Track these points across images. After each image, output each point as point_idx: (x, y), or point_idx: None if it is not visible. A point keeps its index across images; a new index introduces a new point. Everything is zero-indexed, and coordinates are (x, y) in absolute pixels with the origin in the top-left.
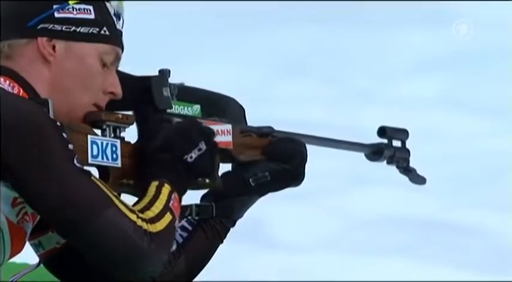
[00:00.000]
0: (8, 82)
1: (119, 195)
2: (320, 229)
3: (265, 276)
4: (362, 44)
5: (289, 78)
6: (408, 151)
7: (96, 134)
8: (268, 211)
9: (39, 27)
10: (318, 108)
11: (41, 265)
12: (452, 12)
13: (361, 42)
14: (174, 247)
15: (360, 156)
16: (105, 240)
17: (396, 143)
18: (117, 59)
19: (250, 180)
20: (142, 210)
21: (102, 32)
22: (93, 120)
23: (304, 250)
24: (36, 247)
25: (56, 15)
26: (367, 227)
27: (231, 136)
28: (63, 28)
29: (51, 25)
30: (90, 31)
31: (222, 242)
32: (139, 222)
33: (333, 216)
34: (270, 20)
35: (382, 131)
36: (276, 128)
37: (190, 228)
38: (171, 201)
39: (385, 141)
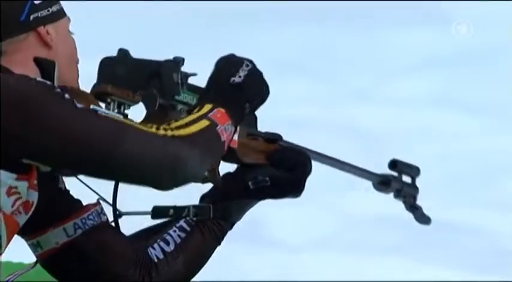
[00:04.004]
0: None
1: None
2: (316, 229)
3: (263, 275)
4: (357, 43)
5: (283, 77)
6: (417, 188)
7: (99, 106)
8: (265, 210)
9: (31, 18)
10: (312, 107)
11: (37, 265)
12: (452, 12)
13: (357, 41)
14: (172, 247)
15: (357, 155)
16: (135, 160)
17: (406, 179)
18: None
19: (250, 183)
20: (169, 124)
21: (60, 6)
22: (98, 92)
23: (300, 250)
24: (34, 247)
25: (35, 2)
26: (364, 226)
27: (236, 134)
28: (46, 12)
29: (39, 13)
30: (58, 9)
31: (219, 244)
32: (161, 131)
33: (329, 215)
34: (266, 19)
35: (394, 164)
36: (272, 127)
37: (188, 228)
38: (212, 113)
39: (395, 174)
